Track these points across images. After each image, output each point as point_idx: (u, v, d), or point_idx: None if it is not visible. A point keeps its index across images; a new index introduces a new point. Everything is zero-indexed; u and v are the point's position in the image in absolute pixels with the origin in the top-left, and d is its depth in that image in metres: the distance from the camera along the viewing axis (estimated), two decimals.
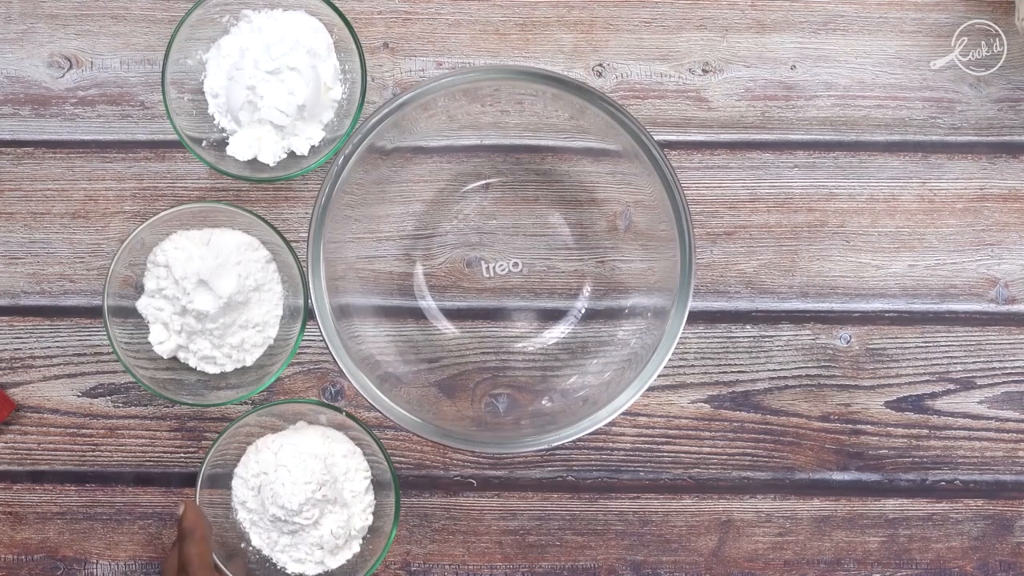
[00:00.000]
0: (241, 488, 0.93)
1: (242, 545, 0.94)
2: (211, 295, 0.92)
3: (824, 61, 0.96)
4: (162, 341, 0.93)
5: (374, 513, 0.94)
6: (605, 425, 0.87)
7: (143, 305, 0.93)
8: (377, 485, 0.94)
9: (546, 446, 0.87)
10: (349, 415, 0.93)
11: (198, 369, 0.94)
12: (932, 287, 0.97)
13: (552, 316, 0.96)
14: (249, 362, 0.94)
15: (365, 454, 0.94)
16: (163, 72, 0.92)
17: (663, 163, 0.86)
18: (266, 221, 0.92)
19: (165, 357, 0.94)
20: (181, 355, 0.94)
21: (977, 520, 0.97)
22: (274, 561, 0.93)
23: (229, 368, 0.94)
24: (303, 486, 0.90)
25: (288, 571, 0.93)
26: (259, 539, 0.93)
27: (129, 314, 0.94)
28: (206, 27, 0.94)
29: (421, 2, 0.97)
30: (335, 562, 0.93)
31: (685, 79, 0.96)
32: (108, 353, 0.96)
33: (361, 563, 0.94)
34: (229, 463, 0.94)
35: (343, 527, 0.93)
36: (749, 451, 0.97)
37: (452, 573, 0.97)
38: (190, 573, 0.86)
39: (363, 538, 0.94)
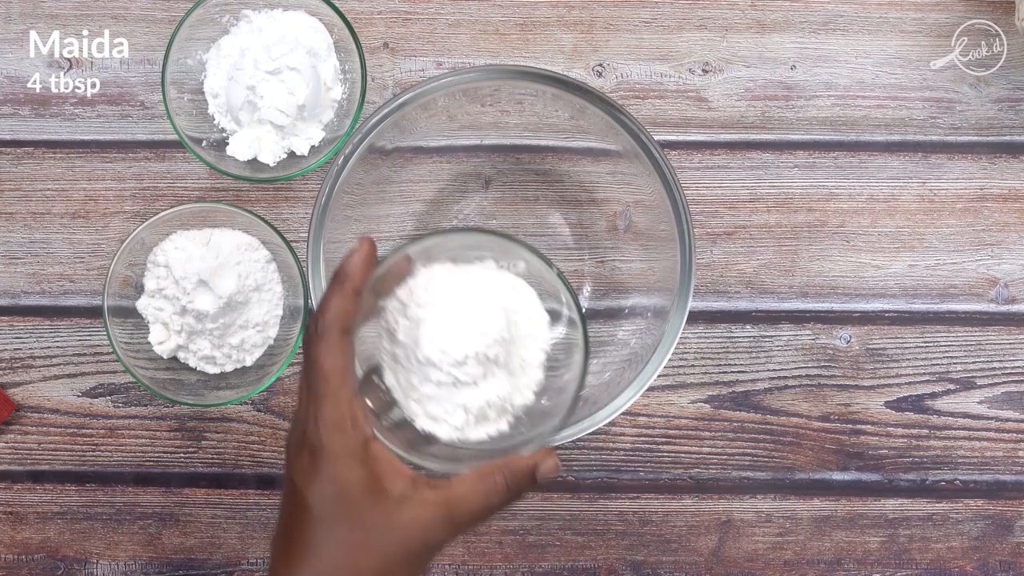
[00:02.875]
0: (397, 313, 0.74)
1: (373, 378, 0.76)
2: (211, 295, 0.92)
3: (824, 61, 0.96)
4: (162, 341, 0.93)
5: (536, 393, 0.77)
6: (605, 425, 0.87)
7: (143, 305, 0.93)
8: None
9: None
10: (560, 274, 0.76)
11: (198, 369, 0.94)
12: (932, 287, 0.97)
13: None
14: (249, 362, 0.94)
15: None
16: (163, 72, 0.92)
17: (663, 163, 0.86)
18: (266, 221, 0.92)
19: (165, 357, 0.94)
20: (181, 355, 0.94)
21: (977, 520, 0.97)
22: (402, 407, 0.75)
23: (229, 368, 0.94)
24: (478, 336, 0.73)
25: (416, 423, 0.74)
26: (394, 378, 0.75)
27: (129, 314, 0.94)
28: (206, 27, 0.94)
29: (421, 2, 0.97)
30: (475, 433, 0.75)
31: (685, 79, 0.96)
32: (108, 353, 0.96)
33: (505, 445, 0.76)
34: None
35: (503, 398, 0.75)
36: (749, 451, 0.97)
37: (452, 573, 0.97)
38: (318, 326, 0.70)
39: (515, 417, 0.76)
